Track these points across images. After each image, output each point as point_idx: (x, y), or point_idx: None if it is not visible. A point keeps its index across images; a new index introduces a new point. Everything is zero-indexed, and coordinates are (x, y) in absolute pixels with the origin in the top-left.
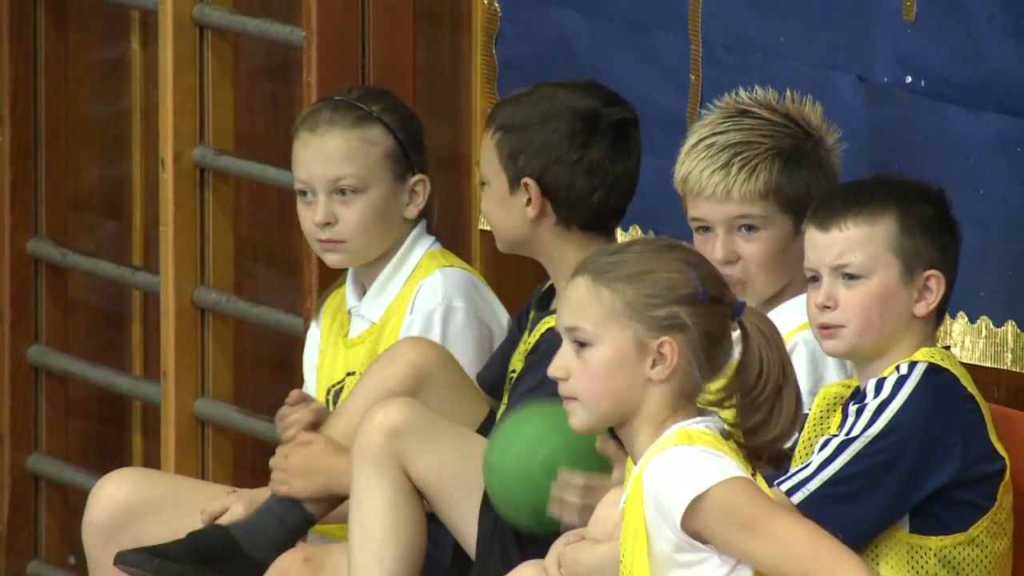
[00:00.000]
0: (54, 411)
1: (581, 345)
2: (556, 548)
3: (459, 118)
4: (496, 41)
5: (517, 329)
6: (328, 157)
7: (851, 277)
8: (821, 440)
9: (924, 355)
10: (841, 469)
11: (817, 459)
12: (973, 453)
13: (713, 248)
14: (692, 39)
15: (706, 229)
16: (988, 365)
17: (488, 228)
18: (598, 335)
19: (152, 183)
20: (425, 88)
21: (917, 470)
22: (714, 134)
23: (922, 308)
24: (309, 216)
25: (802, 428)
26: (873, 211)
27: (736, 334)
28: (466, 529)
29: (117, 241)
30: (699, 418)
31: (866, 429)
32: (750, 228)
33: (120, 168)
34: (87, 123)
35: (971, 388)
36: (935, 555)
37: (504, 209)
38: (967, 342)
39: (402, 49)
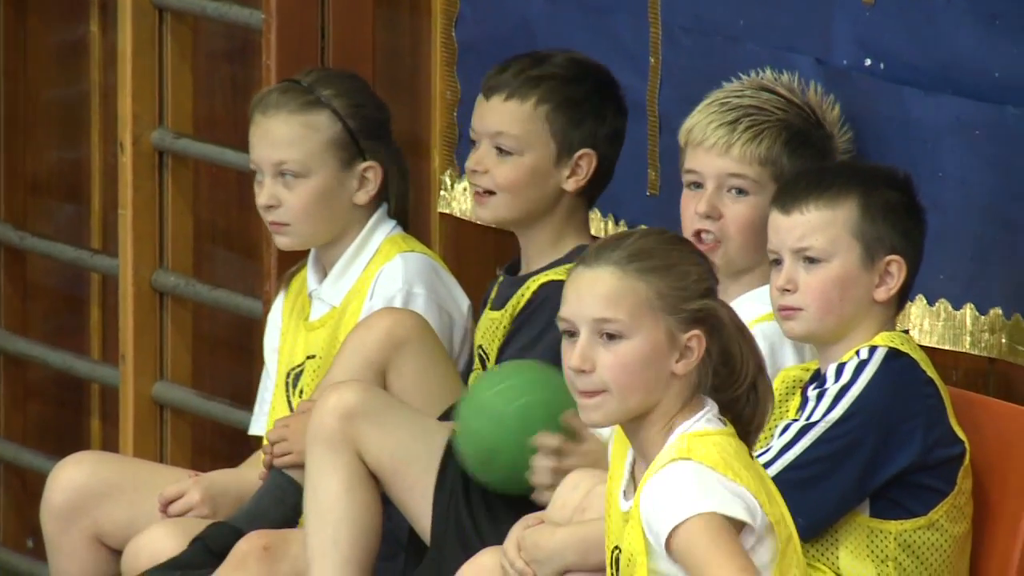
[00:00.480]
0: (12, 395)
1: (610, 337)
2: (515, 532)
3: (419, 101)
4: (456, 24)
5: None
6: (273, 140)
7: (812, 261)
8: (781, 424)
9: (884, 339)
10: (802, 454)
11: (778, 443)
12: (933, 438)
13: (698, 203)
14: (652, 22)
15: (697, 185)
16: (947, 348)
17: (448, 212)
18: (633, 327)
19: (111, 166)
20: (385, 71)
21: (877, 455)
22: (730, 96)
23: (882, 293)
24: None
25: None
26: (835, 195)
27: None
28: (419, 512)
29: (75, 224)
30: (701, 412)
31: (827, 414)
32: (740, 191)
33: (79, 151)
34: (46, 106)
35: (931, 372)
36: (895, 539)
37: (539, 180)
38: (926, 325)
39: (361, 32)
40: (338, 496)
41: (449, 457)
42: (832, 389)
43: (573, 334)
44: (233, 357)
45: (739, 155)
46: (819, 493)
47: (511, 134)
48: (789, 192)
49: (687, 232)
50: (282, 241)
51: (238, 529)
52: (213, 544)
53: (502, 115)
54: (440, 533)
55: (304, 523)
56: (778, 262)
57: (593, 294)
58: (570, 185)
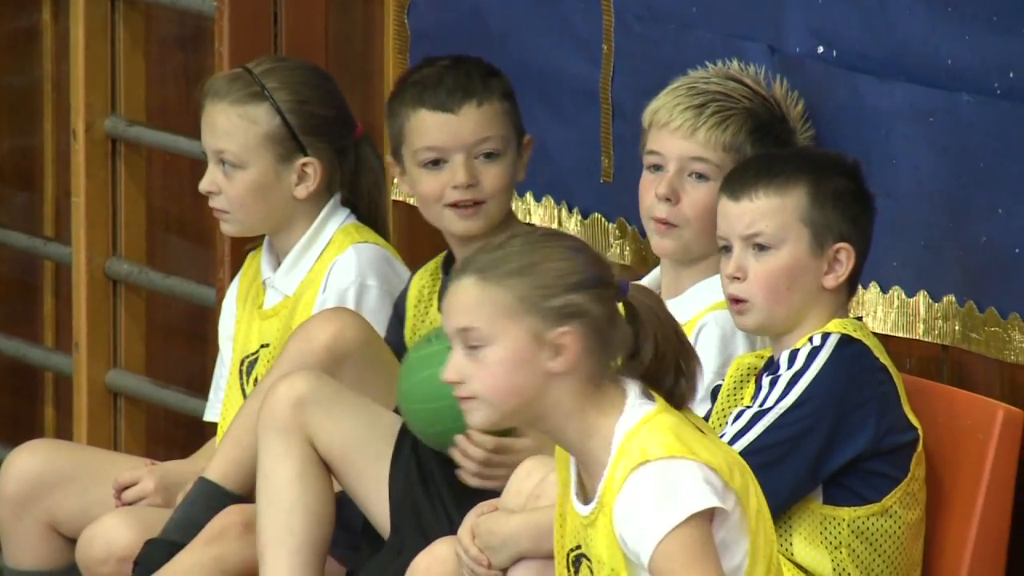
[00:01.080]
0: None
1: (474, 348)
2: (469, 519)
3: (371, 88)
4: (408, 11)
5: (398, 309)
6: (213, 128)
7: (761, 248)
8: (735, 412)
9: (836, 326)
10: (755, 440)
11: (731, 430)
12: (886, 424)
13: (658, 185)
14: (604, 9)
15: (657, 168)
16: (900, 335)
17: (400, 199)
18: (492, 334)
19: (64, 154)
20: (337, 58)
21: (830, 441)
22: (698, 82)
23: (831, 280)
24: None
25: (715, 400)
26: (784, 181)
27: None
28: (371, 500)
29: (28, 212)
30: (629, 401)
31: (780, 400)
32: (701, 176)
33: (31, 139)
34: None
35: (884, 359)
36: (848, 526)
37: (513, 175)
38: (879, 312)
39: (314, 19)
40: (290, 483)
41: (402, 444)
42: (785, 375)
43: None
44: (187, 345)
45: (704, 139)
46: (773, 479)
47: (491, 135)
48: (738, 178)
49: (644, 216)
50: (224, 227)
51: (174, 543)
52: (150, 563)
53: (481, 117)
54: (399, 520)
55: (256, 511)
56: (727, 249)
57: (456, 306)
58: (521, 175)
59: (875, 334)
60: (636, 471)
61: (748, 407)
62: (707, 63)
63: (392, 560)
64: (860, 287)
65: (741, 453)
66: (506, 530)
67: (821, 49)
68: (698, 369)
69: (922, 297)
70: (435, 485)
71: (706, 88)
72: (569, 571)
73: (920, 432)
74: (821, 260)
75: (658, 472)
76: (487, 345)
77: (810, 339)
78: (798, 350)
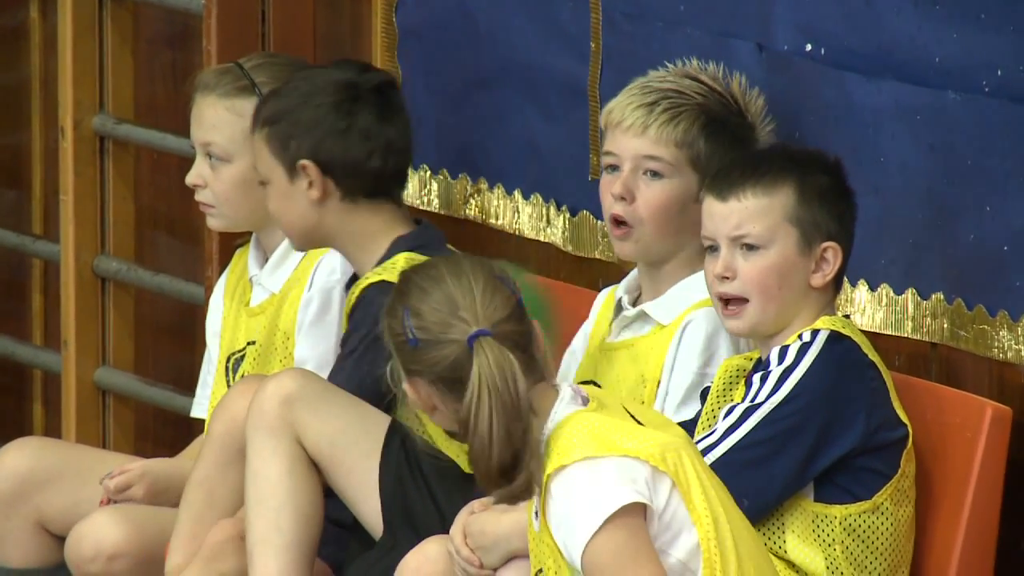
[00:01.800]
0: None
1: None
2: (460, 518)
3: None
4: (396, 9)
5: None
6: (201, 121)
7: (750, 248)
8: (725, 408)
9: (826, 323)
10: (746, 435)
11: (722, 425)
12: (876, 420)
13: (613, 185)
14: (592, 7)
15: (614, 168)
16: (889, 333)
17: None
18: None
19: (52, 151)
20: (326, 56)
21: (821, 437)
22: (652, 81)
23: (819, 279)
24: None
25: (704, 401)
26: (772, 181)
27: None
28: (359, 498)
29: (16, 209)
30: (560, 399)
31: (771, 396)
32: (655, 174)
33: (19, 136)
34: None
35: (873, 356)
36: (840, 523)
37: (289, 201)
38: (868, 310)
39: (302, 17)
40: (279, 481)
41: (392, 441)
42: (776, 371)
43: None
44: (175, 342)
45: (655, 136)
46: (764, 474)
47: (258, 167)
48: (724, 178)
49: (606, 217)
50: (210, 222)
51: None
52: None
53: (254, 154)
54: (390, 516)
55: (245, 510)
56: (713, 248)
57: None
58: (313, 196)
59: (864, 332)
60: (556, 477)
61: (739, 403)
62: (693, 60)
63: (383, 557)
64: (848, 285)
65: (733, 448)
66: (498, 530)
67: (809, 47)
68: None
69: (910, 295)
70: (425, 481)
71: (659, 86)
72: None
73: (910, 429)
74: (809, 259)
75: (575, 476)
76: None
77: (799, 336)
78: (788, 346)
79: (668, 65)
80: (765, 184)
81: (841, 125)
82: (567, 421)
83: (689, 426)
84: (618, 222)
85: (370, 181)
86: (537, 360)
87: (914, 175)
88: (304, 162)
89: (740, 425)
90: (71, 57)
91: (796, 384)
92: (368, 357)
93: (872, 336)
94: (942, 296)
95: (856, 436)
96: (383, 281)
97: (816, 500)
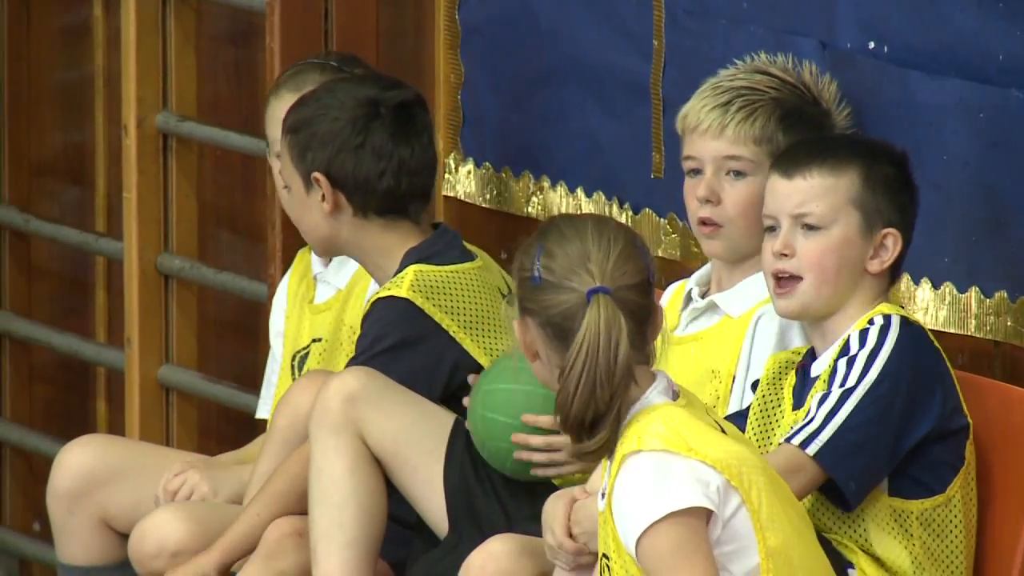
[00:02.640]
0: (18, 378)
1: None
2: (558, 511)
3: (422, 84)
4: (459, 6)
5: None
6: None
7: (811, 228)
8: (818, 395)
9: (894, 308)
10: (847, 418)
11: (821, 412)
12: (950, 404)
13: (697, 189)
14: (655, 5)
15: (696, 172)
16: (952, 331)
17: (452, 195)
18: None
19: (115, 149)
20: (388, 54)
21: (908, 415)
22: (723, 81)
23: (876, 265)
24: None
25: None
26: (838, 163)
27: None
28: (422, 495)
29: (80, 207)
30: (651, 387)
31: (862, 377)
32: (738, 174)
33: (83, 134)
34: (50, 89)
35: (937, 344)
36: (917, 518)
37: (305, 210)
38: (931, 308)
39: (365, 14)
40: (342, 479)
41: (456, 440)
42: (861, 354)
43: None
44: (238, 340)
45: (733, 136)
46: (869, 456)
47: (282, 171)
48: (792, 157)
49: (692, 221)
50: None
51: None
52: None
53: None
54: (455, 515)
55: (309, 507)
56: (773, 229)
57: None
58: (325, 208)
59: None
60: (628, 460)
61: (829, 392)
62: (749, 57)
63: (447, 555)
64: (911, 283)
65: (837, 431)
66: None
67: (872, 44)
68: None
69: (974, 293)
70: (490, 479)
71: (731, 85)
72: None
73: (970, 420)
74: (868, 244)
75: (648, 463)
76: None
77: (871, 320)
78: (867, 329)
79: (736, 62)
80: (832, 165)
81: (904, 123)
82: (654, 409)
83: (738, 418)
84: (706, 223)
85: (381, 199)
86: (647, 339)
87: (977, 173)
88: (316, 175)
89: (839, 409)
90: (135, 55)
91: (885, 364)
92: (374, 367)
93: (935, 334)
94: (1005, 294)
95: (935, 416)
96: (392, 296)
97: (892, 495)
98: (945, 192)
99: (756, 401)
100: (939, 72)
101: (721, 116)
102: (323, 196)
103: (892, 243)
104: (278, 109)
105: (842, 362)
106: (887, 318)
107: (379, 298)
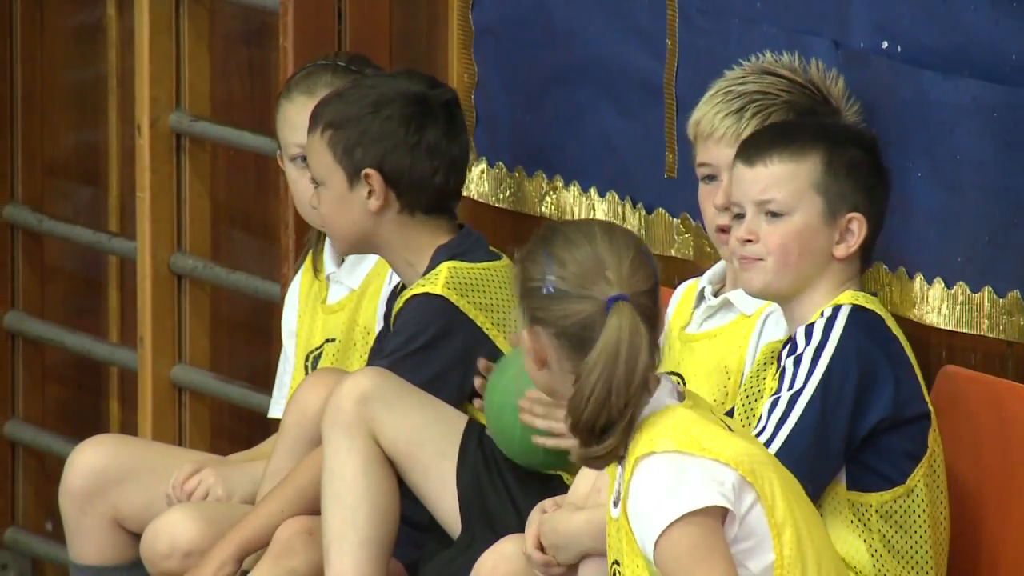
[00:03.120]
0: (31, 377)
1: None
2: (533, 519)
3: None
4: (473, 6)
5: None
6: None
7: (773, 214)
8: (768, 401)
9: (847, 298)
10: (798, 423)
11: (772, 420)
12: (905, 392)
13: (716, 196)
14: (668, 4)
15: (711, 178)
16: (965, 331)
17: (465, 194)
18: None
19: (128, 149)
20: (401, 53)
21: (859, 404)
22: (734, 85)
23: (842, 250)
24: (307, 181)
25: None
26: (799, 148)
27: None
28: (435, 496)
29: (93, 207)
30: (658, 393)
31: (808, 378)
32: None
33: (96, 134)
34: (63, 88)
35: (897, 331)
36: (876, 511)
37: (344, 206)
38: (944, 308)
39: (378, 14)
40: (355, 479)
41: (469, 440)
42: (807, 353)
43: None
44: (251, 340)
45: None
46: (822, 456)
47: (312, 166)
48: (753, 144)
49: (709, 228)
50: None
51: None
52: None
53: (308, 149)
54: (467, 515)
55: (321, 507)
56: (740, 216)
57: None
58: (372, 206)
59: (940, 330)
60: (642, 462)
61: (778, 394)
62: (767, 53)
63: (460, 555)
64: (924, 282)
65: (788, 438)
66: (570, 528)
67: (886, 44)
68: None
69: (987, 293)
70: (503, 480)
71: (743, 90)
72: None
73: (932, 408)
74: (833, 229)
75: (662, 465)
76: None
77: (822, 313)
78: (813, 324)
79: (742, 63)
80: (793, 151)
81: (917, 122)
82: (664, 412)
83: (731, 414)
84: (725, 229)
85: (431, 197)
86: (658, 344)
87: (990, 172)
88: (369, 171)
89: (788, 415)
90: (148, 54)
91: (830, 360)
92: (407, 364)
93: (947, 334)
94: (1019, 294)
95: (887, 404)
96: (427, 293)
97: (850, 488)
98: (958, 192)
99: (740, 393)
100: (952, 72)
101: (736, 123)
102: (369, 193)
103: (857, 227)
104: (289, 111)
105: (789, 361)
106: (836, 309)
107: (414, 295)
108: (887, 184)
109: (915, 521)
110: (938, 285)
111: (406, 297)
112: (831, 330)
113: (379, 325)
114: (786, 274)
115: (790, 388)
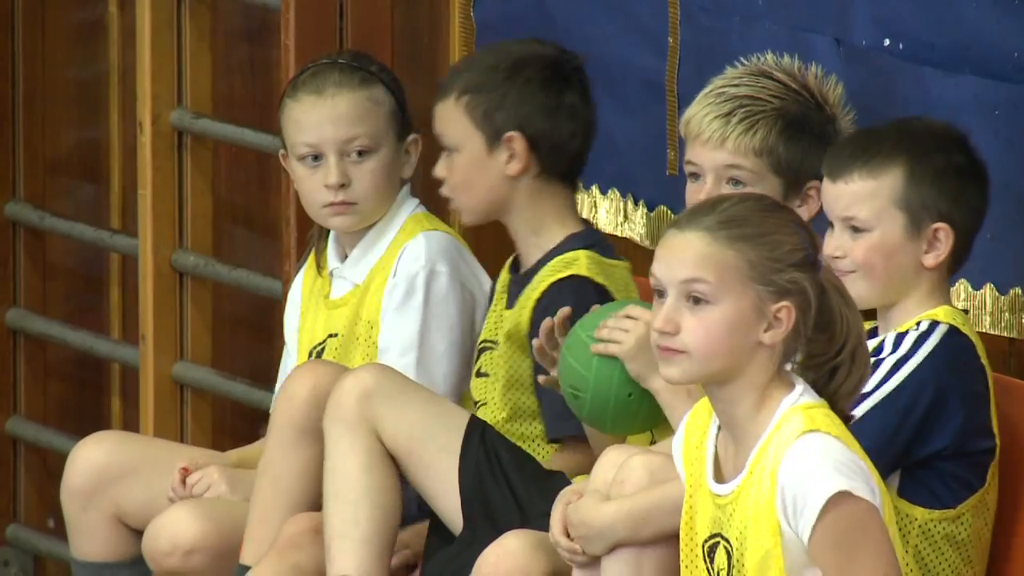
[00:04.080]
0: (32, 374)
1: (697, 301)
2: (558, 509)
3: (437, 81)
4: (474, 4)
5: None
6: (340, 118)
7: (856, 230)
8: None
9: (947, 316)
10: (859, 423)
11: None
12: (974, 424)
13: (699, 196)
14: (670, 2)
15: (697, 177)
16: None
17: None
18: (719, 293)
19: (130, 146)
20: (403, 50)
21: (921, 430)
22: (728, 85)
23: (931, 259)
24: (317, 180)
25: None
26: (879, 164)
27: None
28: (437, 492)
29: (95, 204)
30: (799, 388)
31: (881, 384)
32: (738, 183)
33: (98, 131)
34: (65, 86)
35: (984, 359)
36: (919, 527)
37: (480, 171)
38: None
39: (380, 11)
40: (357, 476)
41: (471, 436)
42: (889, 360)
43: (662, 294)
44: (253, 337)
45: (734, 147)
46: (875, 462)
47: (445, 133)
48: (836, 158)
49: None
50: (344, 221)
51: None
52: None
53: (437, 117)
54: (470, 511)
55: (323, 504)
56: (831, 225)
57: (682, 258)
58: (510, 170)
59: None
60: (807, 435)
61: None
62: (768, 54)
63: (462, 551)
64: None
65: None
66: (601, 521)
67: (887, 42)
68: (866, 374)
69: (988, 290)
70: (505, 476)
71: (735, 93)
72: (706, 562)
73: (998, 442)
74: (919, 240)
75: (831, 443)
76: (713, 303)
77: (918, 324)
78: (905, 334)
79: (744, 61)
80: (872, 167)
81: None
82: (812, 405)
83: None
84: None
85: (567, 162)
86: None
87: (992, 170)
88: (512, 134)
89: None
90: (149, 52)
91: (909, 374)
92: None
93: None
94: (1020, 291)
95: (951, 435)
96: (572, 276)
97: (900, 495)
98: None
99: None
100: (954, 69)
101: (723, 127)
102: (510, 156)
103: (944, 236)
104: (296, 111)
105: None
106: (933, 325)
107: (560, 279)
108: (983, 181)
109: (955, 548)
110: None
111: (549, 281)
112: (920, 347)
113: (384, 317)
114: (876, 285)
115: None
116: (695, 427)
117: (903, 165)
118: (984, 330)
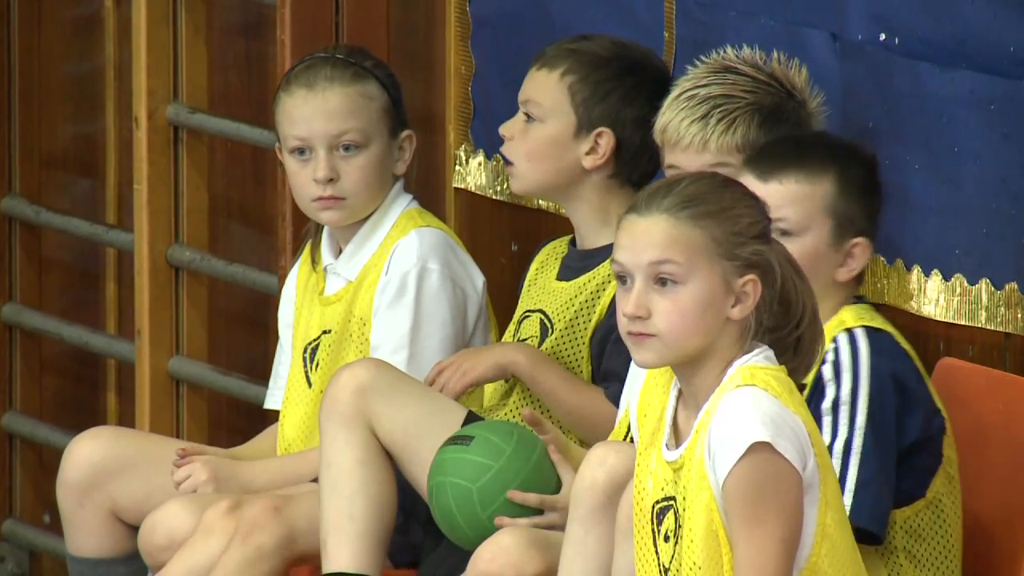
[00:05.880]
0: (28, 369)
1: (665, 283)
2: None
3: (433, 76)
4: None
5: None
6: (331, 113)
7: (783, 233)
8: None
9: (853, 319)
10: (859, 472)
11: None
12: (930, 405)
13: None
14: None
15: None
16: (963, 323)
17: (463, 187)
18: (689, 273)
19: (126, 141)
20: (399, 46)
21: (900, 426)
22: (696, 87)
23: (844, 274)
24: (307, 174)
25: None
26: (814, 168)
27: None
28: None
29: (91, 199)
30: (756, 351)
31: (853, 423)
32: None
33: (94, 126)
34: (60, 81)
35: (904, 343)
36: (901, 527)
37: (556, 151)
38: (941, 300)
39: (376, 6)
40: (352, 471)
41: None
42: (844, 394)
43: (625, 280)
44: (249, 332)
45: (717, 148)
46: (885, 489)
47: (537, 101)
48: (767, 159)
49: None
50: (332, 216)
51: None
52: None
53: (534, 83)
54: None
55: (320, 499)
56: None
57: (648, 241)
58: (587, 162)
59: (938, 321)
60: (742, 388)
61: (829, 448)
62: (728, 49)
63: (458, 548)
64: (922, 274)
65: (857, 491)
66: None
67: (883, 36)
68: (819, 347)
69: (984, 284)
70: None
71: (706, 94)
72: (652, 524)
73: (946, 416)
74: (839, 253)
75: (764, 397)
76: (682, 283)
77: (835, 342)
78: (837, 361)
79: (703, 60)
80: (808, 171)
81: (914, 115)
82: (765, 367)
83: None
84: None
85: (644, 172)
86: None
87: (988, 165)
88: (604, 130)
89: (847, 468)
90: (145, 46)
91: (869, 397)
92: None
93: (945, 326)
94: (1016, 286)
95: (920, 421)
96: None
97: None
98: (956, 184)
99: None
100: (950, 64)
101: (702, 131)
102: (592, 148)
103: (861, 252)
104: (288, 105)
105: (826, 406)
106: (851, 337)
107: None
108: (881, 202)
109: (938, 531)
110: (935, 277)
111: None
112: (857, 361)
113: (376, 314)
114: None
115: (835, 437)
116: (655, 387)
117: (835, 174)
118: (980, 325)
